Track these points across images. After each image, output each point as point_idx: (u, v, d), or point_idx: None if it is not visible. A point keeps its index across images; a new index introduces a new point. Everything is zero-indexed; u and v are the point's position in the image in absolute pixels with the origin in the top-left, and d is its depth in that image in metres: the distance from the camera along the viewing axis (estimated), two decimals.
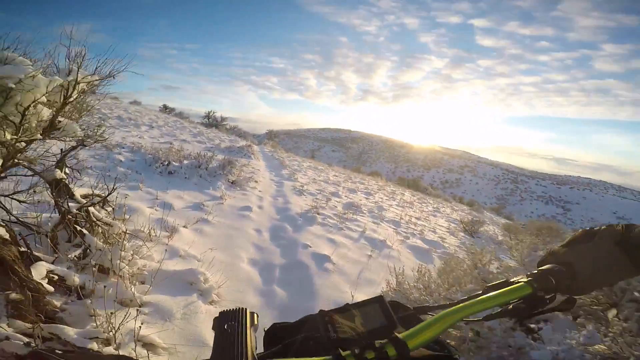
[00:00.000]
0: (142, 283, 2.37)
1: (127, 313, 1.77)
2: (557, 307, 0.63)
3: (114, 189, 2.67)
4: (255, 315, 0.56)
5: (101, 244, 2.30)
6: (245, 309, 0.56)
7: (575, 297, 0.63)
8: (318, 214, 5.66)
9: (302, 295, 2.88)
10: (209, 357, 0.49)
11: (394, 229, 6.69)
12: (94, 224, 2.51)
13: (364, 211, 7.43)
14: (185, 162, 6.64)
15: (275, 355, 0.62)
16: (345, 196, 8.99)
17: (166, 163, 6.17)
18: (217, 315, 0.55)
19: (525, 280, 0.65)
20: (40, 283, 1.75)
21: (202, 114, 23.56)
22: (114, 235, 2.54)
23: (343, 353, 0.52)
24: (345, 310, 0.61)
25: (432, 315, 0.62)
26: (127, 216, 3.10)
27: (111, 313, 1.74)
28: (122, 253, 2.32)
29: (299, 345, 0.62)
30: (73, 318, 1.81)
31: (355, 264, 3.84)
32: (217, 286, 2.60)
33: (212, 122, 22.78)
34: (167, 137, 11.14)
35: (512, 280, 0.68)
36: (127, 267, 2.28)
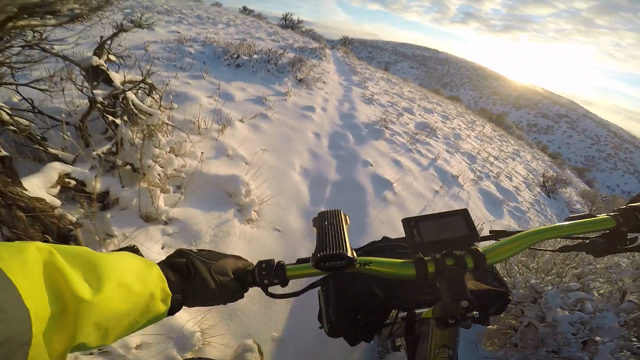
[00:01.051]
0: (178, 188, 1.91)
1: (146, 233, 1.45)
2: (638, 247, 0.57)
3: (149, 73, 2.08)
4: (347, 216, 0.61)
5: (137, 138, 1.77)
6: (340, 210, 0.61)
7: None
8: (386, 128, 4.75)
9: (352, 226, 2.29)
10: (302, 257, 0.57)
11: (468, 164, 5.61)
12: (132, 112, 1.97)
13: (439, 136, 6.30)
14: (255, 56, 6.06)
15: (365, 253, 0.70)
16: (420, 115, 7.73)
17: (235, 56, 5.61)
18: (316, 215, 0.60)
19: (611, 214, 0.59)
20: (37, 199, 1.23)
21: (280, 16, 22.07)
22: (152, 127, 2.01)
23: (425, 257, 0.53)
24: (429, 218, 0.59)
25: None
26: (175, 105, 2.54)
27: (125, 236, 1.38)
28: (158, 150, 1.80)
29: (381, 247, 0.72)
30: (90, 237, 1.35)
31: (418, 199, 3.09)
32: (258, 201, 2.12)
33: (288, 23, 21.41)
34: (242, 35, 10.28)
35: (596, 215, 0.61)
36: (158, 167, 1.76)
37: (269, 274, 0.56)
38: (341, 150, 3.45)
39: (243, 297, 0.57)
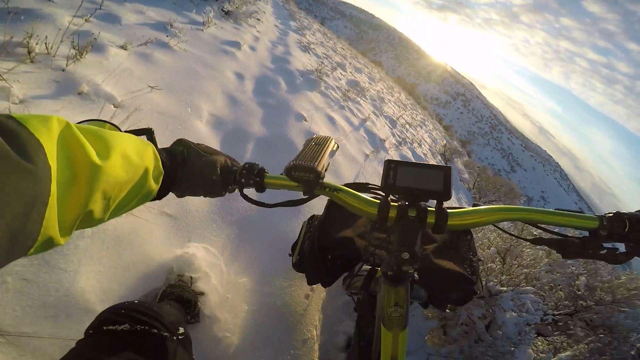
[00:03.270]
0: None
1: None
2: (608, 257, 0.50)
3: None
4: (337, 145, 0.61)
5: None
6: (333, 139, 0.60)
7: (635, 254, 0.49)
8: (321, 79, 4.13)
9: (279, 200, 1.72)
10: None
11: (390, 127, 5.49)
12: None
13: (367, 96, 5.96)
14: None
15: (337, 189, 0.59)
16: (350, 73, 7.23)
17: None
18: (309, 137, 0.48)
19: (598, 214, 0.52)
20: None
21: None
22: None
23: (392, 202, 0.50)
24: (411, 165, 0.54)
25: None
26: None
27: None
28: None
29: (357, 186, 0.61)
30: None
31: (351, 163, 2.68)
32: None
33: None
34: None
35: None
36: None
37: (248, 175, 0.56)
38: (270, 97, 2.74)
39: (223, 194, 0.57)
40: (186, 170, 0.51)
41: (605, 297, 1.66)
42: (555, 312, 1.55)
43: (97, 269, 0.96)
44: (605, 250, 0.50)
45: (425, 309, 1.00)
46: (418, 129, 8.97)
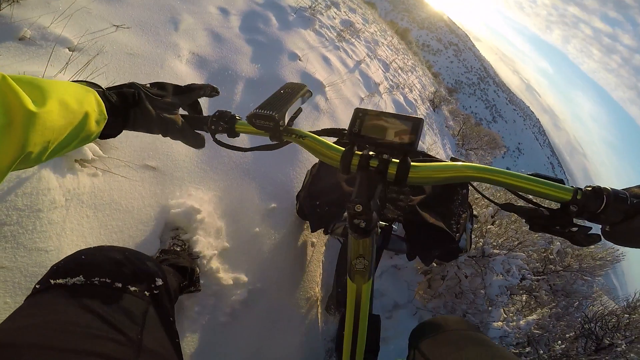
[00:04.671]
0: None
1: None
2: (575, 237, 0.43)
3: None
4: (310, 93, 0.57)
5: None
6: (306, 86, 0.57)
7: (607, 238, 0.42)
8: (315, 17, 3.70)
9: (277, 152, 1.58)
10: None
11: (383, 71, 5.19)
12: None
13: (361, 38, 5.50)
14: None
15: (303, 135, 0.56)
16: (344, 12, 6.56)
17: None
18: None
19: (575, 186, 0.43)
20: None
21: None
22: None
23: (356, 151, 0.48)
24: (380, 115, 0.50)
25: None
26: None
27: None
28: None
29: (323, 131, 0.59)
30: None
31: (346, 107, 2.51)
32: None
33: None
34: None
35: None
36: None
37: (218, 122, 0.56)
38: (260, 34, 2.43)
39: (201, 144, 0.59)
40: (138, 111, 0.50)
41: (573, 265, 1.72)
42: (532, 277, 1.62)
43: (81, 241, 0.84)
44: (576, 229, 0.43)
45: (410, 260, 1.00)
46: (409, 74, 8.57)
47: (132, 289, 0.49)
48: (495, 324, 1.46)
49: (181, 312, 0.93)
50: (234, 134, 0.57)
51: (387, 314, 1.58)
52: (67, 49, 1.22)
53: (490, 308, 1.43)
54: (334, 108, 2.23)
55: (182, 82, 1.44)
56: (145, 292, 0.50)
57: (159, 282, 0.53)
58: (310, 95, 0.58)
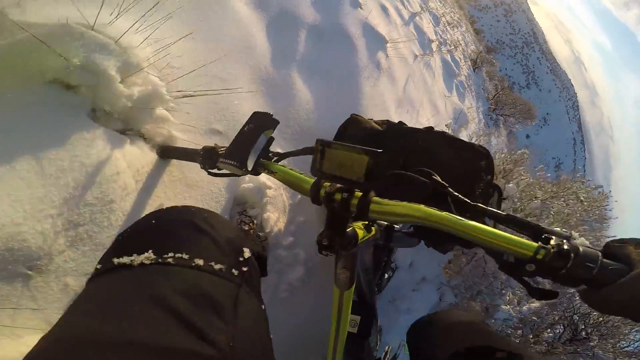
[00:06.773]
0: None
1: None
2: (529, 288, 0.42)
3: None
4: (276, 122, 0.60)
5: None
6: (272, 115, 0.60)
7: (581, 299, 0.38)
8: None
9: (338, 104, 1.36)
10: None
11: (434, 25, 4.57)
12: None
13: None
14: None
15: (276, 160, 0.61)
16: None
17: None
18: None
19: (539, 244, 0.38)
20: None
21: None
22: None
23: (324, 183, 0.47)
24: (339, 147, 0.45)
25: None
26: None
27: None
28: None
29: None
30: None
31: (403, 66, 2.22)
32: (161, 68, 0.84)
33: None
34: None
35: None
36: None
37: (205, 161, 0.62)
38: None
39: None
40: None
41: None
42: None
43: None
44: (530, 274, 0.40)
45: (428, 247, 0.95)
46: (455, 30, 7.59)
47: (217, 266, 0.35)
48: (503, 306, 1.53)
49: None
50: (215, 168, 0.63)
51: (415, 286, 1.59)
52: None
53: (503, 291, 1.43)
54: (392, 66, 1.96)
55: (241, 24, 1.24)
56: (233, 271, 0.37)
57: (247, 253, 0.40)
58: (277, 124, 0.61)
